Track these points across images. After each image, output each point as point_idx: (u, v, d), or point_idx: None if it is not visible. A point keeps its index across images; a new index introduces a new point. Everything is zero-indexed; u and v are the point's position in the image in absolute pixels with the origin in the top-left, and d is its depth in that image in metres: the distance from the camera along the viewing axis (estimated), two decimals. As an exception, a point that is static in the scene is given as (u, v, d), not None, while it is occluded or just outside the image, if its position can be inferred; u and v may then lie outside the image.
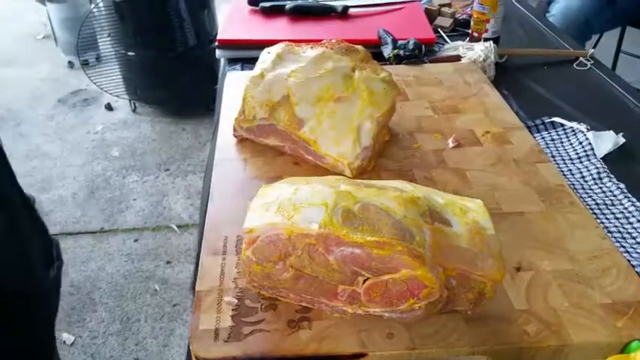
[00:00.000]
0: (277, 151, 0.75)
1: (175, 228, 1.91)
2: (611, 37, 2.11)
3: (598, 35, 2.09)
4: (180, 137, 2.40)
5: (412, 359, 0.48)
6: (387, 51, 1.04)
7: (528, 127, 0.84)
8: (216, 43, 1.12)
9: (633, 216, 0.68)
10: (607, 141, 0.81)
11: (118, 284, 1.71)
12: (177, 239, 1.87)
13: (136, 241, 1.86)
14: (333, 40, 0.79)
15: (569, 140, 0.83)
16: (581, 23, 1.81)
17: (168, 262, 1.78)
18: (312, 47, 0.78)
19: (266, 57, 0.78)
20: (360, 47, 0.80)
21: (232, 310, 0.52)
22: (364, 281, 0.47)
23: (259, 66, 0.77)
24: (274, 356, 0.48)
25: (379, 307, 0.48)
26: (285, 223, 0.47)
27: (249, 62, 0.82)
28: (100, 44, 2.50)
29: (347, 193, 0.48)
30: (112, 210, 2.00)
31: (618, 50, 2.16)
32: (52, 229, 1.90)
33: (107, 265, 1.77)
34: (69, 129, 2.49)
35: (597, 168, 0.77)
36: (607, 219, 0.69)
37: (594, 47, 2.02)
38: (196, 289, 0.54)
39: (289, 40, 0.81)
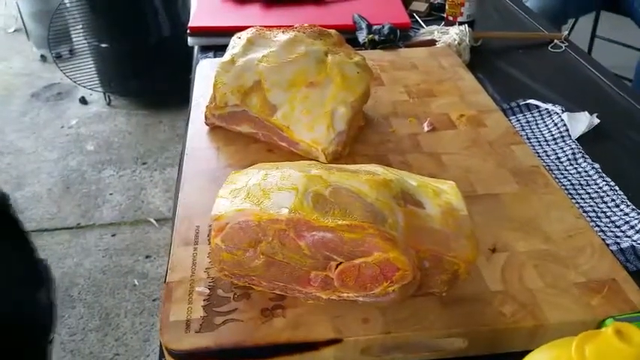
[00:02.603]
0: (250, 139, 0.74)
1: (154, 222, 1.89)
2: (586, 21, 2.12)
3: (574, 20, 2.10)
4: (157, 130, 2.37)
5: (388, 344, 0.48)
6: (362, 36, 1.03)
7: (503, 110, 0.84)
8: (188, 31, 1.09)
9: (607, 195, 0.68)
10: (582, 122, 0.81)
11: (97, 280, 1.68)
12: (156, 233, 1.84)
13: (113, 236, 1.83)
14: (306, 25, 0.78)
15: (544, 122, 0.83)
16: (556, 7, 1.82)
17: (147, 257, 1.75)
18: (283, 32, 0.76)
19: (236, 42, 0.76)
20: (332, 31, 0.78)
21: (204, 300, 0.51)
22: (337, 266, 0.46)
23: (230, 51, 0.75)
24: (247, 345, 0.47)
25: (353, 292, 0.47)
26: (254, 209, 0.46)
27: (222, 49, 0.80)
28: (73, 37, 2.44)
29: (318, 177, 0.47)
30: (88, 205, 1.97)
31: (593, 35, 2.17)
32: (28, 226, 1.86)
33: (85, 261, 1.74)
34: (43, 124, 2.43)
35: (572, 149, 0.77)
36: (582, 199, 0.69)
37: (570, 31, 2.03)
38: (167, 280, 0.53)
39: (262, 26, 0.79)
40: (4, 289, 0.71)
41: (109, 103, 2.53)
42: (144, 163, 2.17)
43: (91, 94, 2.56)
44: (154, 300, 1.61)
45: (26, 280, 0.77)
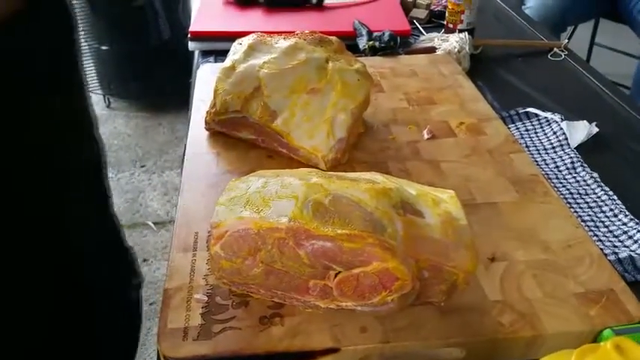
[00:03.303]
0: (250, 145, 0.74)
1: (152, 225, 1.88)
2: (585, 29, 2.13)
3: (572, 27, 2.11)
4: (156, 132, 2.37)
5: (386, 353, 0.48)
6: (363, 43, 1.03)
7: (503, 118, 0.84)
8: (189, 35, 1.09)
9: (606, 205, 0.68)
10: (580, 131, 0.82)
11: (94, 283, 1.67)
12: (154, 237, 1.84)
13: (111, 238, 1.83)
14: (306, 31, 0.78)
15: (543, 130, 0.83)
16: (556, 15, 1.83)
17: (144, 260, 1.75)
18: (284, 38, 0.76)
19: (237, 48, 0.76)
20: (333, 38, 0.78)
21: (202, 307, 0.51)
22: (336, 275, 0.46)
23: (230, 57, 0.75)
24: (245, 354, 0.47)
25: (351, 301, 0.47)
26: (254, 217, 0.46)
27: (223, 54, 0.80)
28: (72, 38, 2.44)
29: (318, 185, 0.47)
30: (86, 207, 1.96)
31: (592, 42, 2.18)
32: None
33: (82, 263, 1.74)
34: (41, 125, 2.43)
35: (571, 158, 0.77)
36: (581, 208, 0.69)
37: (569, 39, 2.03)
38: (165, 286, 0.53)
39: (263, 32, 0.79)
40: (98, 280, 0.63)
41: (108, 106, 2.53)
42: (142, 166, 2.17)
43: (90, 96, 2.56)
44: (150, 304, 1.61)
45: (118, 271, 0.69)
